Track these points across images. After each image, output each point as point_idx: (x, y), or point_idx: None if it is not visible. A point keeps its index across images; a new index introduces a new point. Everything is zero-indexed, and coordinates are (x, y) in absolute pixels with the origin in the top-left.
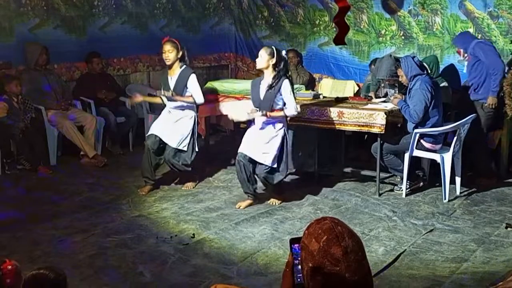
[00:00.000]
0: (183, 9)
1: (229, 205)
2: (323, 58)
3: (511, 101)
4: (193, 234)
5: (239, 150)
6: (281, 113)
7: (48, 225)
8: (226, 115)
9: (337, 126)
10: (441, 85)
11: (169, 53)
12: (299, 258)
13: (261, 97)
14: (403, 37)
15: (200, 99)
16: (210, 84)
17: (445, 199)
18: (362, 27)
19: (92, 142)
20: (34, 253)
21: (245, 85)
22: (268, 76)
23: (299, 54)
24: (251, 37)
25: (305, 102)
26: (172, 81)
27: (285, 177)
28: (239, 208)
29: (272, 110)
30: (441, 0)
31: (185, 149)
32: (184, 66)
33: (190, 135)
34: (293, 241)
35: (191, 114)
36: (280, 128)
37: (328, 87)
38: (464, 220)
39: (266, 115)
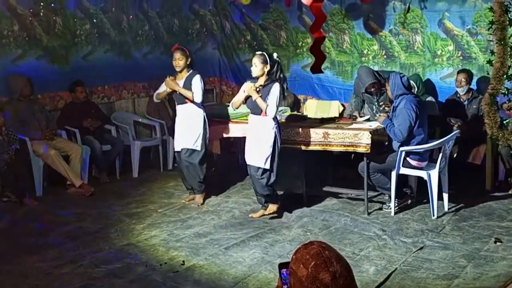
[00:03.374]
0: (165, 36)
1: (219, 230)
2: (307, 79)
3: (490, 120)
4: (183, 261)
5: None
6: (263, 105)
7: (36, 257)
8: (213, 140)
9: (323, 147)
10: (427, 99)
11: (179, 60)
12: (288, 283)
13: (252, 98)
14: (385, 56)
15: (197, 98)
16: None
17: (433, 215)
18: (344, 47)
19: (78, 171)
20: (21, 286)
21: (231, 109)
22: (262, 80)
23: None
24: (235, 61)
25: (290, 123)
26: (179, 84)
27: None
28: (251, 217)
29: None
30: (421, 19)
31: (198, 148)
32: (191, 70)
33: (202, 134)
34: (282, 265)
35: (199, 113)
36: (272, 129)
37: (313, 108)
38: (453, 236)
39: (258, 93)
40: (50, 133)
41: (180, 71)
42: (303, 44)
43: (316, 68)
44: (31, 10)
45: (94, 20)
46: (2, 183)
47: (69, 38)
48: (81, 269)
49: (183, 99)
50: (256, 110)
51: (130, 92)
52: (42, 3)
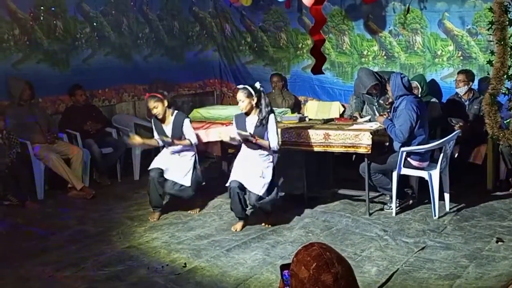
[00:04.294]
0: (166, 38)
1: (220, 232)
2: (307, 80)
3: (490, 120)
4: (185, 263)
5: (231, 178)
6: (266, 143)
7: (37, 260)
8: (214, 142)
9: (323, 148)
10: (431, 100)
11: (156, 108)
12: (290, 285)
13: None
14: (385, 57)
15: (195, 140)
16: (196, 112)
17: (435, 216)
18: (344, 48)
19: (79, 174)
20: None
21: (231, 110)
22: (253, 114)
23: (284, 77)
24: (235, 63)
25: (291, 125)
26: (167, 129)
27: (276, 203)
28: (235, 231)
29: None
30: (421, 19)
31: (187, 184)
32: (176, 112)
33: (192, 170)
34: (283, 267)
35: (190, 152)
36: (268, 155)
37: (313, 109)
38: (455, 236)
39: (254, 138)
40: (51, 136)
41: (162, 118)
42: (303, 46)
43: (316, 69)
44: (31, 14)
45: (94, 24)
46: (3, 186)
47: (69, 42)
48: (83, 272)
49: (172, 143)
50: (252, 146)
51: (131, 95)
52: (42, 7)
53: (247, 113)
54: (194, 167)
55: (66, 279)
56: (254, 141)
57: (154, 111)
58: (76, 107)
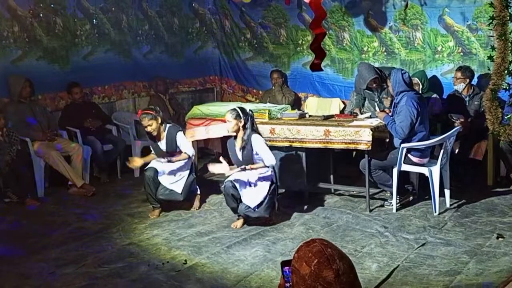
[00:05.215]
0: (166, 35)
1: (221, 229)
2: (307, 77)
3: (491, 116)
4: (185, 260)
5: (229, 179)
6: (261, 165)
7: (37, 258)
8: (214, 138)
9: (324, 145)
10: (433, 96)
11: (150, 126)
12: (290, 281)
13: (240, 158)
14: (385, 53)
15: (191, 151)
16: (196, 108)
17: (435, 212)
18: (344, 45)
19: (79, 171)
20: (24, 287)
21: (231, 107)
22: (240, 136)
23: (284, 74)
24: (235, 60)
25: (291, 121)
26: (162, 144)
27: (269, 213)
28: (235, 228)
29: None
30: (421, 15)
31: (178, 191)
32: (168, 126)
33: (185, 177)
34: (284, 263)
35: (186, 161)
36: (268, 179)
37: (313, 106)
38: (455, 232)
39: (246, 169)
40: (51, 133)
41: (157, 135)
42: (303, 42)
43: (315, 66)
44: (31, 11)
45: (94, 20)
46: (3, 184)
47: (69, 39)
48: (83, 269)
49: (170, 161)
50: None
51: (131, 92)
52: (42, 4)
53: (235, 136)
54: (190, 174)
55: (67, 276)
56: (249, 169)
57: (149, 129)
58: (76, 104)
